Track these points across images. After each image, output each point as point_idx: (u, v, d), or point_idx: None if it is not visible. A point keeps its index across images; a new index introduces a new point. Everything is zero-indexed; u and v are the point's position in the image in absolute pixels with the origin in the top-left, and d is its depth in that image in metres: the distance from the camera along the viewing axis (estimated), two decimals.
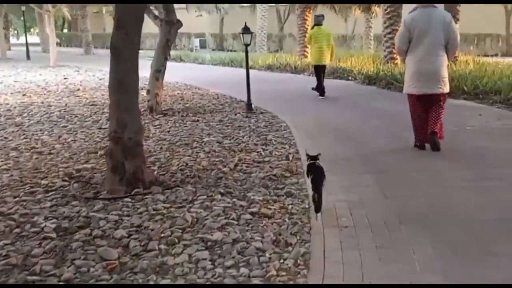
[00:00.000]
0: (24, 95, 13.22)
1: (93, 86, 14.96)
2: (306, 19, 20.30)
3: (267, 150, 6.77)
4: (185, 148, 7.02)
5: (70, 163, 6.36)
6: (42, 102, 11.74)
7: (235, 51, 36.20)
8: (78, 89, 14.24)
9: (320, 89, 11.87)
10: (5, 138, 7.92)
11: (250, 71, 17.90)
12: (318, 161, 4.72)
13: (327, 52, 12.11)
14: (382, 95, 12.14)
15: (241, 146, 7.00)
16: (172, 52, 30.19)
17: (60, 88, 14.53)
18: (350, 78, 14.92)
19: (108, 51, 5.57)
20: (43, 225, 4.13)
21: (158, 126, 8.74)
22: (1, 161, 6.45)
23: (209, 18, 37.21)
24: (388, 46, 15.81)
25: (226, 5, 29.83)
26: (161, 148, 7.09)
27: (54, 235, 3.96)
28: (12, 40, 58.46)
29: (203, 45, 37.68)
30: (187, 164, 6.11)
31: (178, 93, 13.02)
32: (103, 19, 49.43)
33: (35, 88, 14.75)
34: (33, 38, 51.88)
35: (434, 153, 6.45)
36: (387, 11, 15.70)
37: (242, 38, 9.86)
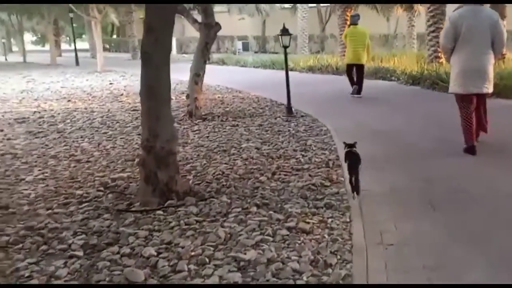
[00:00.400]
0: (69, 101, 13.21)
1: (136, 91, 14.82)
2: (347, 19, 19.71)
3: (306, 156, 6.41)
4: (222, 155, 6.72)
5: (107, 172, 6.16)
6: (86, 108, 11.68)
7: (277, 53, 35.89)
8: (122, 94, 14.19)
9: (354, 86, 11.73)
10: (46, 145, 7.80)
11: (291, 73, 17.61)
12: (354, 148, 5.06)
13: (362, 52, 11.89)
14: (427, 95, 11.59)
15: (279, 153, 6.66)
16: (215, 55, 30.41)
17: (105, 94, 14.51)
18: (393, 78, 14.36)
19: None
20: (70, 241, 3.89)
21: (197, 132, 8.48)
22: (39, 170, 6.29)
23: (251, 21, 37.04)
24: (432, 45, 15.14)
25: (267, 7, 29.51)
26: (198, 155, 6.80)
27: (81, 253, 3.72)
28: (65, 46, 60.03)
29: (245, 48, 37.52)
30: (223, 172, 5.80)
31: (218, 97, 12.78)
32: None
33: (80, 93, 14.77)
34: (84, 44, 52.78)
35: (486, 158, 5.96)
36: (430, 10, 15.05)
37: (281, 40, 9.52)
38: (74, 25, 34.87)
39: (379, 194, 4.97)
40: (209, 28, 10.19)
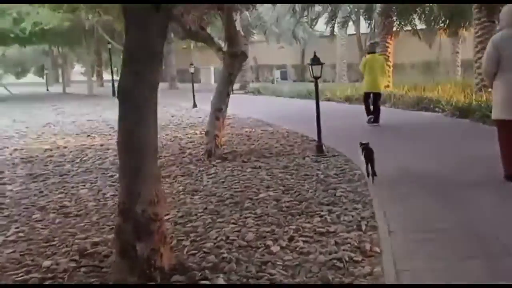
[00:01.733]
0: (88, 136, 12.29)
1: (162, 125, 13.91)
2: (388, 46, 18.41)
3: (334, 213, 5.09)
4: (233, 209, 5.47)
5: (93, 231, 5.01)
6: (102, 145, 10.68)
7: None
8: None
9: (369, 115, 11.56)
10: (41, 192, 6.74)
11: (328, 103, 16.45)
12: (369, 145, 6.35)
13: (380, 80, 11.98)
14: (478, 130, 10.09)
15: (302, 206, 5.36)
16: (252, 85, 29.41)
17: None
18: (437, 109, 12.87)
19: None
20: None
21: (212, 176, 7.29)
22: (16, 228, 5.18)
23: (290, 49, 35.99)
24: (480, 72, 13.61)
25: (305, 35, 28.41)
26: (205, 208, 5.57)
27: None
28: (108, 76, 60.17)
29: (284, 77, 36.42)
30: (228, 237, 4.53)
31: (246, 131, 11.59)
32: (191, 55, 49.54)
33: (103, 127, 13.86)
34: None
35: None
36: (478, 34, 13.53)
37: (311, 70, 8.31)
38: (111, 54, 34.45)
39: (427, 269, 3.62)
40: (234, 58, 9.11)
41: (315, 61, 8.17)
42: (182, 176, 7.43)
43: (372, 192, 5.76)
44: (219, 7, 9.28)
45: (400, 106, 14.21)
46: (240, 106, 18.04)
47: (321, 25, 25.55)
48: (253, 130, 11.78)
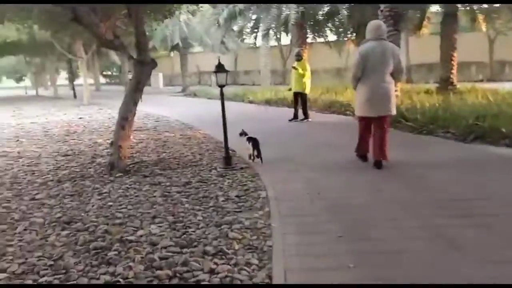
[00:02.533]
0: (17, 140, 9.62)
1: (94, 128, 11.36)
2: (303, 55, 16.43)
3: (221, 264, 3.02)
4: (101, 256, 3.29)
5: None
6: (19, 152, 8.12)
7: (246, 84, 32.65)
8: (75, 132, 10.65)
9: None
10: None
11: (250, 105, 14.40)
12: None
13: (300, 82, 10.59)
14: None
15: (179, 260, 3.20)
16: (192, 88, 26.96)
17: (61, 131, 10.92)
18: (348, 112, 11.01)
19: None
20: None
21: (103, 196, 5.03)
22: None
23: (226, 58, 33.65)
24: None
25: (234, 46, 26.16)
26: (56, 259, 3.35)
27: None
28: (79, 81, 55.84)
29: None
30: None
31: (165, 136, 9.27)
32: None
33: (38, 131, 11.13)
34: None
35: None
36: None
37: (215, 78, 6.12)
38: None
39: None
40: (143, 66, 6.81)
41: (220, 68, 6.00)
42: (70, 196, 5.12)
43: (275, 231, 3.67)
44: (129, 13, 7.02)
45: (314, 109, 12.25)
46: (174, 108, 15.71)
47: (249, 37, 23.46)
48: (173, 134, 9.48)
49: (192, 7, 11.45)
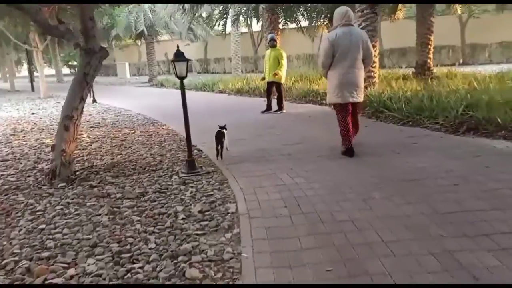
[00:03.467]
0: None
1: (46, 125, 10.23)
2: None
3: None
4: None
5: None
6: None
7: (217, 73, 31.61)
8: (22, 131, 9.51)
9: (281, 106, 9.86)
10: None
11: (221, 95, 13.56)
12: (224, 129, 5.77)
13: (273, 71, 9.69)
14: (372, 127, 7.50)
15: None
16: (160, 77, 25.72)
17: (7, 130, 9.75)
18: (324, 102, 10.25)
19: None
20: None
21: (38, 214, 4.11)
22: None
23: (196, 46, 32.47)
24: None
25: (203, 33, 25.03)
26: None
27: None
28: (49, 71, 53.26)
29: (189, 70, 32.93)
30: None
31: (124, 133, 8.28)
32: (113, 52, 44.23)
33: None
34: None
35: None
36: (361, 26, 10.79)
37: (173, 68, 5.20)
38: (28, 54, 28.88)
39: None
40: (91, 55, 5.85)
41: (179, 57, 5.09)
42: None
43: (245, 263, 2.87)
44: None
45: (288, 99, 11.45)
46: (138, 100, 14.64)
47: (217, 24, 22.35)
48: (133, 131, 8.50)
49: None
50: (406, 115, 7.04)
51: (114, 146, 7.14)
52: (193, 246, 3.18)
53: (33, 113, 12.87)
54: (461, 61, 24.91)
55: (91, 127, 9.24)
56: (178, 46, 5.23)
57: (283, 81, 9.82)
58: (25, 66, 49.79)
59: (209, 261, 2.96)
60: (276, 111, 9.75)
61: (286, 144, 6.45)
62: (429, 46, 14.56)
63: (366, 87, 10.59)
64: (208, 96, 14.41)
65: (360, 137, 6.03)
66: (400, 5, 16.26)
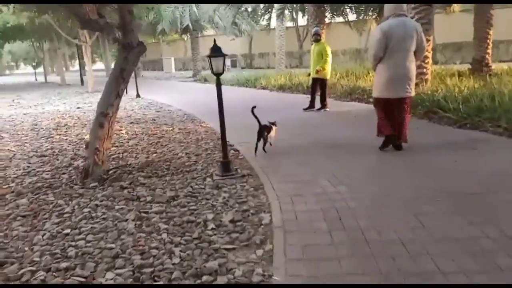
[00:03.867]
0: None
1: (88, 120, 10.28)
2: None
3: None
4: None
5: None
6: None
7: (262, 68, 31.30)
8: (65, 125, 9.58)
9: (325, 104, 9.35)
10: None
11: (263, 91, 13.22)
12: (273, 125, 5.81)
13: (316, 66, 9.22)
14: (424, 129, 6.88)
15: None
16: (203, 72, 25.70)
17: (50, 125, 9.84)
18: (371, 100, 9.63)
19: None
20: None
21: (65, 216, 3.94)
22: None
23: (240, 40, 32.34)
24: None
25: (248, 28, 24.74)
26: None
27: None
28: (98, 66, 55.46)
29: (233, 65, 32.95)
30: None
31: (161, 131, 8.08)
32: (160, 47, 45.05)
33: (27, 124, 10.08)
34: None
35: None
36: (414, 19, 10.13)
37: (209, 63, 4.89)
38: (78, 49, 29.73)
39: None
40: (128, 50, 5.68)
41: (216, 52, 4.76)
42: (22, 218, 4.03)
43: None
44: None
45: (332, 96, 10.93)
46: (180, 95, 14.56)
47: (262, 18, 22.01)
48: (172, 128, 8.33)
49: None
50: (464, 117, 6.38)
51: (151, 143, 6.96)
52: (220, 264, 2.85)
53: (78, 107, 13.08)
54: None
55: (131, 122, 9.16)
56: (215, 41, 4.92)
57: (327, 77, 9.34)
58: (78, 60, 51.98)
59: (236, 282, 2.62)
60: (319, 109, 9.30)
61: (329, 145, 6.00)
62: (488, 41, 13.52)
63: (417, 84, 9.92)
64: (250, 92, 14.08)
65: (411, 140, 5.50)
66: None
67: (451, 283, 2.44)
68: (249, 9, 19.48)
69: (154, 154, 6.18)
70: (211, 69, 4.83)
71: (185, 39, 34.59)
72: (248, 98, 11.95)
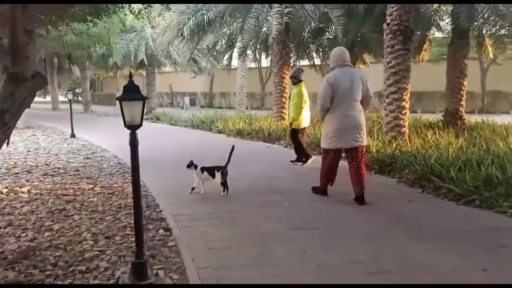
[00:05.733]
0: None
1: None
2: (284, 77, 13.73)
3: None
4: None
5: None
6: None
7: (222, 107, 29.88)
8: None
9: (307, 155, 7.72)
10: None
11: (218, 136, 11.65)
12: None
13: (292, 113, 7.76)
14: (419, 203, 5.36)
15: None
16: (159, 110, 23.87)
17: None
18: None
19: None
20: None
21: None
22: None
23: (202, 78, 30.91)
24: (392, 110, 8.92)
25: (208, 66, 23.36)
26: None
27: None
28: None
29: (193, 103, 31.31)
30: None
31: (76, 189, 6.08)
32: (117, 81, 42.95)
33: None
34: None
35: None
36: (391, 64, 8.70)
37: (121, 111, 3.14)
38: None
39: None
40: (17, 83, 3.92)
41: (130, 93, 3.04)
42: None
43: None
44: None
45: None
46: (122, 137, 12.38)
47: (223, 56, 20.73)
48: (94, 185, 6.35)
49: (137, 6, 8.50)
50: (470, 190, 4.89)
51: (52, 211, 5.01)
52: None
53: None
54: (479, 109, 23.02)
55: (45, 174, 7.16)
56: (131, 74, 3.18)
57: (300, 125, 7.76)
58: None
59: None
60: (298, 161, 7.75)
61: (297, 228, 4.32)
62: (462, 92, 12.59)
63: (394, 138, 8.57)
64: (203, 137, 12.37)
65: (408, 218, 3.91)
66: (425, 45, 14.48)
67: None
68: (209, 46, 18.11)
69: (47, 233, 4.25)
70: (123, 118, 3.09)
71: (144, 74, 32.90)
72: (199, 146, 10.24)
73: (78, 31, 13.99)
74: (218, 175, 5.47)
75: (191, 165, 5.55)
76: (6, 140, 4.14)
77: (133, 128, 3.10)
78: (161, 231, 4.24)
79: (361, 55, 14.16)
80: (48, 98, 42.35)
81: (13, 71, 3.96)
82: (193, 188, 5.58)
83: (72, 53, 21.46)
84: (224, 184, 5.47)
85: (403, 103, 8.88)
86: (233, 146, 5.56)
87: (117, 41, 18.45)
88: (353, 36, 12.11)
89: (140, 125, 3.11)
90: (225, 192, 5.49)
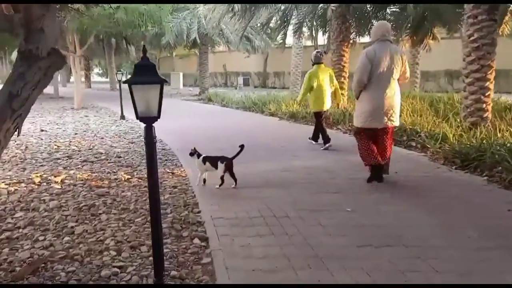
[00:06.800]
0: None
1: (32, 156, 7.87)
2: (344, 55, 12.55)
3: None
4: None
5: None
6: None
7: (275, 88, 28.96)
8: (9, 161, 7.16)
9: (325, 138, 7.41)
10: None
11: (270, 120, 10.91)
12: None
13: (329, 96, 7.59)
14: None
15: None
16: (212, 90, 23.36)
17: None
18: (413, 144, 7.03)
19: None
20: None
21: None
22: None
23: (256, 58, 30.08)
24: (474, 91, 7.61)
25: (262, 45, 22.43)
26: None
27: None
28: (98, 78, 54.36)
29: (246, 83, 30.65)
30: None
31: (113, 180, 5.53)
32: (172, 61, 43.18)
33: None
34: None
35: None
36: (473, 38, 7.24)
37: (131, 97, 2.39)
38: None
39: None
40: (29, 62, 3.28)
41: (142, 74, 2.28)
42: None
43: None
44: None
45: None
46: (171, 119, 11.93)
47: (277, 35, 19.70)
48: (132, 175, 5.78)
49: None
50: None
51: (81, 208, 4.44)
52: None
53: (42, 130, 10.65)
54: None
55: (84, 161, 6.70)
56: (144, 48, 2.38)
57: (315, 109, 7.70)
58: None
59: None
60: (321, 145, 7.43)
61: (364, 245, 3.43)
62: None
63: (476, 125, 7.32)
64: (255, 120, 11.59)
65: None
66: (506, 17, 12.65)
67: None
68: (260, 23, 17.11)
69: (66, 238, 3.65)
70: (134, 107, 2.32)
71: (198, 53, 32.49)
72: (249, 130, 9.47)
73: (129, 9, 13.63)
74: (221, 166, 4.91)
75: (194, 153, 5.13)
76: (17, 130, 3.57)
77: (148, 121, 2.33)
78: (196, 240, 3.52)
79: (431, 30, 12.60)
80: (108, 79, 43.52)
81: (25, 47, 3.34)
82: (204, 180, 5.14)
83: (123, 32, 21.23)
84: (232, 176, 4.96)
85: (487, 83, 7.55)
86: (243, 145, 4.90)
87: (170, 19, 17.98)
88: (423, 7, 10.68)
89: (158, 117, 2.33)
90: (234, 185, 4.98)
